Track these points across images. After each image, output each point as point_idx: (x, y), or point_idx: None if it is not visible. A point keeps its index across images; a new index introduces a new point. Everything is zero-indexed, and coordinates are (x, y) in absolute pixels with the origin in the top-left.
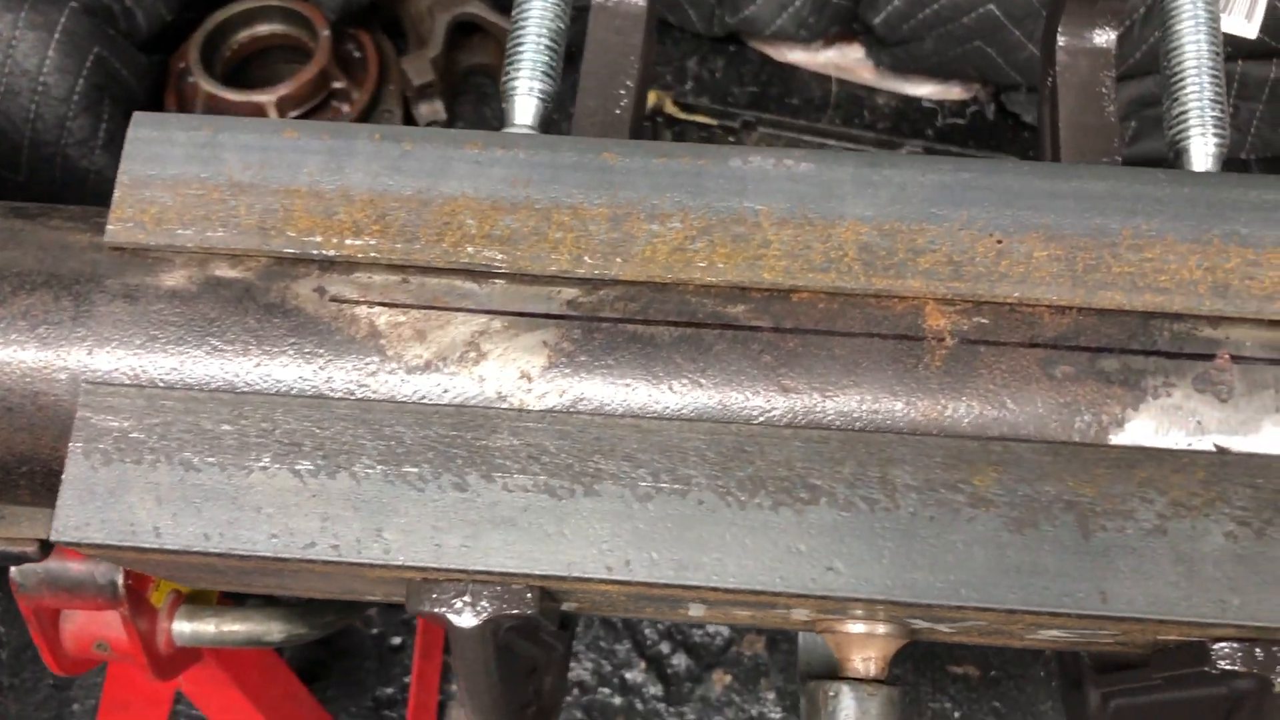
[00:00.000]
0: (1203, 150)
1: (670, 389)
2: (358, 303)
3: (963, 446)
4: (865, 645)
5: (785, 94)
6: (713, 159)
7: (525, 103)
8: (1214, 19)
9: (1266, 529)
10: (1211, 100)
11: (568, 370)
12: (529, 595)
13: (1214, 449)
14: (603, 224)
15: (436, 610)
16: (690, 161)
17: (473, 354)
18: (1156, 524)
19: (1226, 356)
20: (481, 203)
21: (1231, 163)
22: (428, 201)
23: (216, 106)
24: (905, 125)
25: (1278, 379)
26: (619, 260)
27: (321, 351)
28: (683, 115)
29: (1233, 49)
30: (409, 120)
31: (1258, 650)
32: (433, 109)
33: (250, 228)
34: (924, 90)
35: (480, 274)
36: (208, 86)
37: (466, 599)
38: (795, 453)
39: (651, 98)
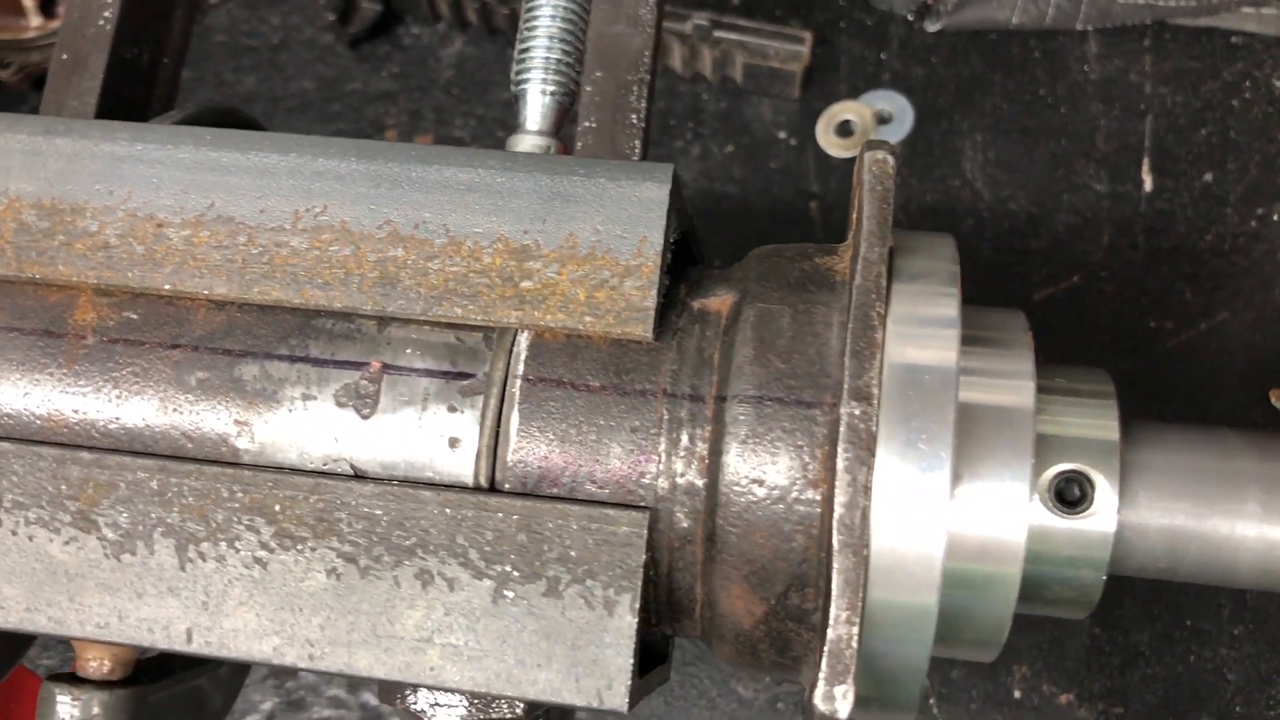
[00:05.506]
0: (538, 98)
1: None
2: None
3: (78, 460)
4: (92, 646)
5: None
6: None
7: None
8: None
9: (373, 568)
10: (561, 39)
11: None
12: None
13: (350, 471)
14: None
15: None
16: None
17: None
18: (259, 556)
19: (379, 366)
20: None
21: (1068, 34)
22: None
23: None
24: None
25: (429, 393)
26: None
27: None
28: None
29: None
30: None
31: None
32: None
33: None
34: None
35: None
36: None
37: None
38: None
39: None
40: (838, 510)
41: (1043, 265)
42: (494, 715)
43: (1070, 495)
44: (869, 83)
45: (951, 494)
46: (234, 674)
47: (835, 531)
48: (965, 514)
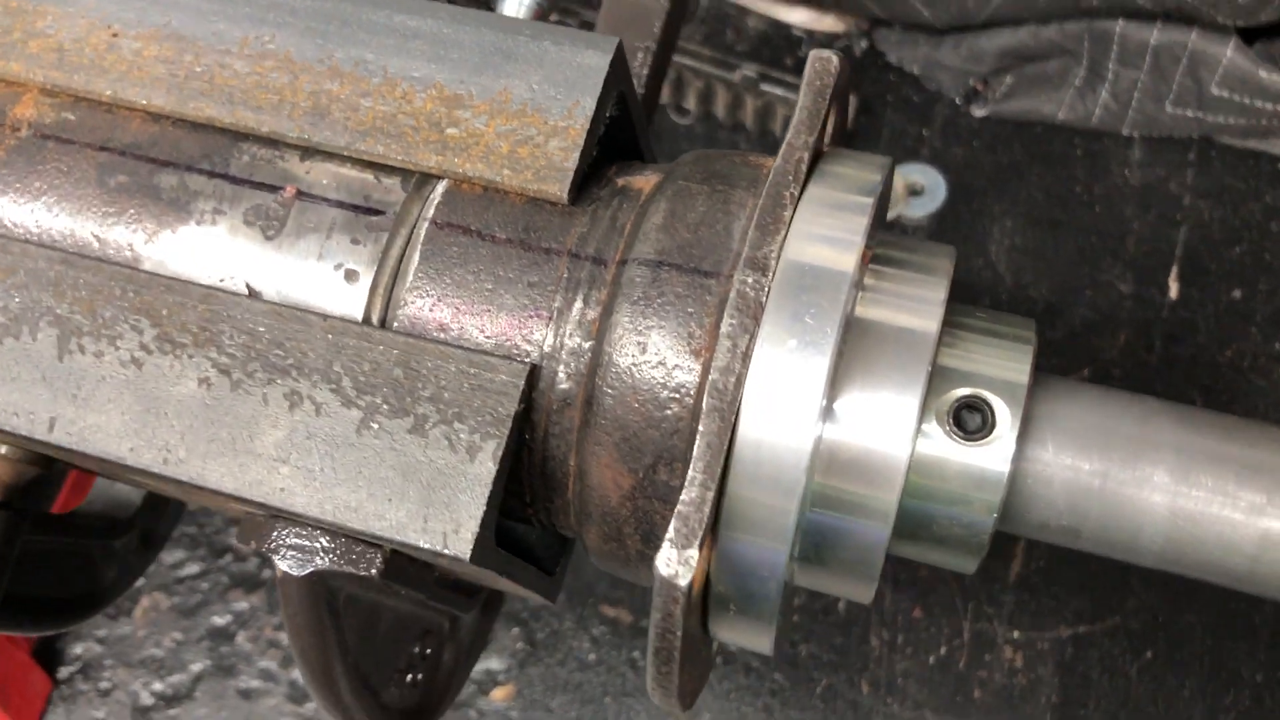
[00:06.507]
0: None
1: None
2: None
3: None
4: None
5: None
6: None
7: None
8: None
9: (244, 382)
10: None
11: None
12: None
13: (245, 290)
14: None
15: None
16: None
17: None
18: (136, 356)
19: (293, 191)
20: None
21: (1113, 137)
22: None
23: None
24: (766, 51)
25: (336, 223)
26: None
27: None
28: None
29: (1110, 6)
30: None
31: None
32: None
33: None
34: (796, 17)
35: None
36: None
37: None
38: None
39: None
40: (712, 375)
41: (1054, 355)
42: (347, 569)
43: (971, 424)
44: (907, 155)
45: (836, 398)
46: (132, 552)
47: (706, 395)
48: (847, 423)
